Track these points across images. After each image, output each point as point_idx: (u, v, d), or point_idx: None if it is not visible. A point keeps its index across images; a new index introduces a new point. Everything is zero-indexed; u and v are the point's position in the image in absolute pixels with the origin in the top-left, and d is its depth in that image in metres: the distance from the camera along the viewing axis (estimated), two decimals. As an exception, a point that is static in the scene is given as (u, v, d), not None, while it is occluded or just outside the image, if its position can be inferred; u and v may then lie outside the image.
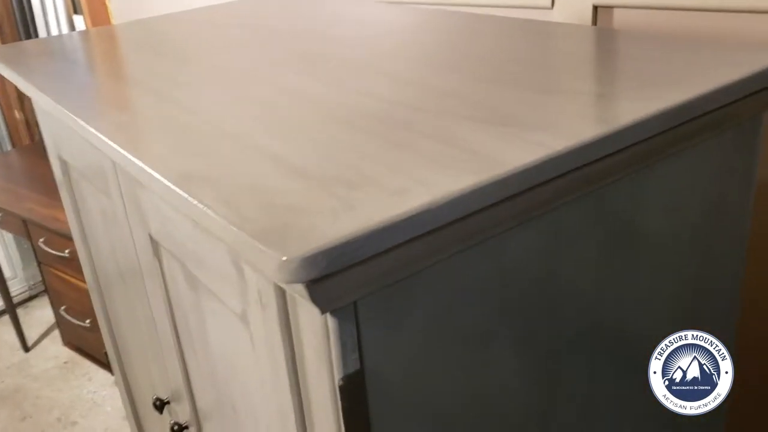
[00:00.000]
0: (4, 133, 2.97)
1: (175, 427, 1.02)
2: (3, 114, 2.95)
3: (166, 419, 1.09)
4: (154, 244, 0.86)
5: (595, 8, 1.33)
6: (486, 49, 0.95)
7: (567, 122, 0.63)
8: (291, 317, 0.58)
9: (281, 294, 0.58)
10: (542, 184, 0.57)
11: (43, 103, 0.97)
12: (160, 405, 1.09)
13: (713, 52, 0.81)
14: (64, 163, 1.15)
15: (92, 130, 0.73)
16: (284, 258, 0.44)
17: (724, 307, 0.92)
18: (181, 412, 1.05)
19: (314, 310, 0.53)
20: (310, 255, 0.44)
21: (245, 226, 0.49)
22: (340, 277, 0.49)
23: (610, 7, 1.32)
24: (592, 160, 0.59)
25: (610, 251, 0.71)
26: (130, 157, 0.65)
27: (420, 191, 0.51)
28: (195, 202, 0.54)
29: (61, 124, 1.04)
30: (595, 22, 1.34)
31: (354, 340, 0.54)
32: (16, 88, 2.89)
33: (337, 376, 0.54)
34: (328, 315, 0.53)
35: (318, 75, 0.89)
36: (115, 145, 0.68)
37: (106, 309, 1.31)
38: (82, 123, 0.76)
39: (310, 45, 1.06)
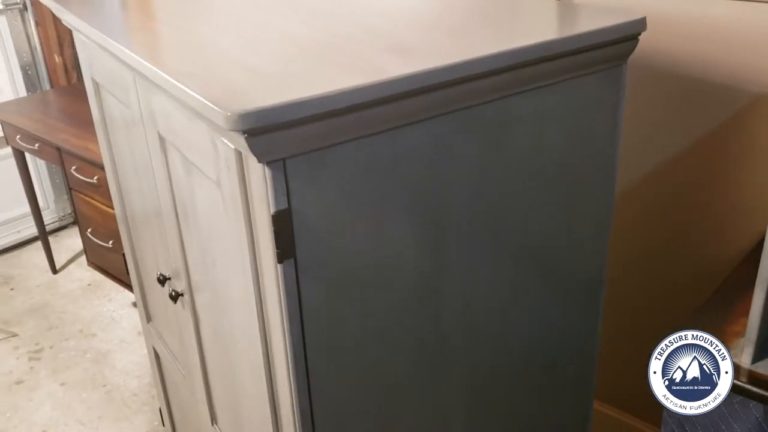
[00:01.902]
0: (45, 74, 3.27)
1: (173, 293, 1.30)
2: (44, 57, 3.24)
3: (166, 291, 1.37)
4: (162, 141, 1.13)
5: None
6: (448, 7, 1.19)
7: (450, 52, 0.89)
8: (245, 173, 0.85)
9: (240, 158, 0.85)
10: (417, 93, 0.84)
11: (82, 30, 1.24)
12: (162, 279, 1.37)
13: (598, 14, 1.06)
14: (95, 84, 1.43)
15: (120, 46, 1.01)
16: (229, 113, 0.71)
17: (598, 220, 1.18)
18: (178, 286, 1.33)
19: (258, 167, 0.80)
20: (244, 112, 0.72)
21: (211, 98, 0.76)
22: (271, 136, 0.76)
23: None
24: (456, 78, 0.85)
25: (485, 156, 0.98)
26: (146, 63, 0.92)
27: (327, 85, 0.78)
28: (183, 87, 0.81)
29: (92, 49, 1.31)
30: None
31: (283, 186, 0.81)
32: (56, 33, 3.18)
33: (272, 210, 0.81)
34: (266, 167, 0.79)
35: (297, 18, 1.15)
36: (134, 55, 0.95)
37: (125, 211, 1.59)
38: (112, 41, 1.04)
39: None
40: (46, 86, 3.28)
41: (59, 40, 3.20)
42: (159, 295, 1.52)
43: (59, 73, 3.27)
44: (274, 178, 0.80)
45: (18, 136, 2.74)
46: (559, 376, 1.29)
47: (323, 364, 0.93)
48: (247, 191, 0.86)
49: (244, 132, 0.73)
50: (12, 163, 3.01)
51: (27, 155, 2.94)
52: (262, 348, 0.97)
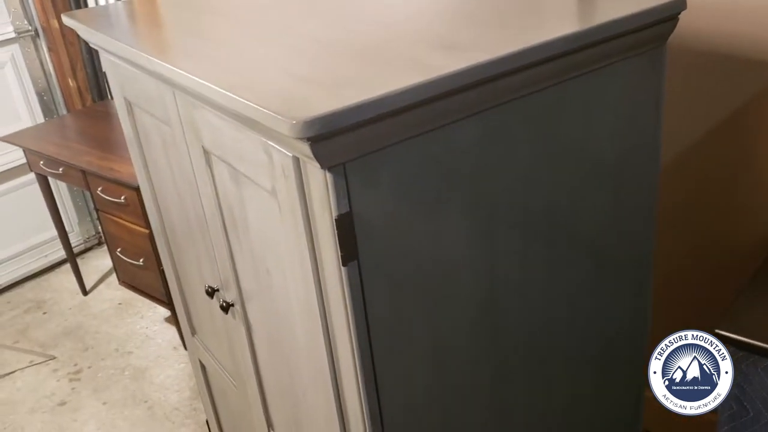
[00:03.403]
0: (60, 99, 3.29)
1: (224, 304, 1.32)
2: (58, 82, 3.27)
3: (215, 304, 1.38)
4: (207, 155, 1.15)
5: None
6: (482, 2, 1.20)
7: (496, 45, 0.90)
8: (304, 180, 0.86)
9: (297, 165, 0.86)
10: (471, 87, 0.85)
11: (114, 51, 1.26)
12: (211, 292, 1.38)
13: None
14: (128, 103, 1.45)
15: (165, 64, 1.02)
16: (294, 121, 0.73)
17: (644, 203, 1.18)
18: (228, 296, 1.34)
19: (318, 172, 0.81)
20: (309, 119, 0.73)
21: (272, 108, 0.77)
22: (332, 142, 0.77)
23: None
24: (508, 69, 0.86)
25: (536, 147, 0.98)
26: (195, 78, 0.93)
27: (382, 87, 0.79)
28: (240, 99, 0.82)
29: (124, 69, 1.33)
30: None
31: (344, 190, 0.82)
32: (69, 58, 3.20)
33: (334, 214, 0.82)
34: (327, 172, 0.81)
35: (331, 25, 1.16)
36: (181, 72, 0.97)
37: (164, 227, 1.60)
38: (156, 60, 1.05)
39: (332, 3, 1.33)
40: (63, 110, 3.31)
41: (72, 64, 3.23)
42: (204, 307, 1.54)
43: (74, 97, 3.29)
44: (336, 183, 0.81)
45: (41, 162, 2.76)
46: (612, 364, 1.30)
47: (391, 364, 0.94)
48: (306, 197, 0.87)
49: (308, 139, 0.74)
50: (34, 189, 3.04)
51: (49, 179, 2.96)
52: (327, 351, 0.98)
